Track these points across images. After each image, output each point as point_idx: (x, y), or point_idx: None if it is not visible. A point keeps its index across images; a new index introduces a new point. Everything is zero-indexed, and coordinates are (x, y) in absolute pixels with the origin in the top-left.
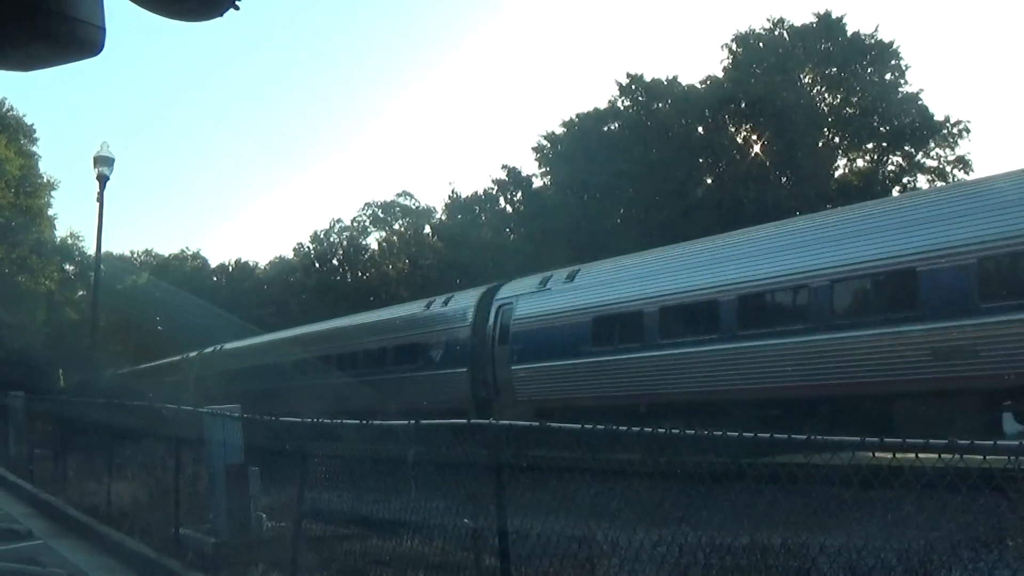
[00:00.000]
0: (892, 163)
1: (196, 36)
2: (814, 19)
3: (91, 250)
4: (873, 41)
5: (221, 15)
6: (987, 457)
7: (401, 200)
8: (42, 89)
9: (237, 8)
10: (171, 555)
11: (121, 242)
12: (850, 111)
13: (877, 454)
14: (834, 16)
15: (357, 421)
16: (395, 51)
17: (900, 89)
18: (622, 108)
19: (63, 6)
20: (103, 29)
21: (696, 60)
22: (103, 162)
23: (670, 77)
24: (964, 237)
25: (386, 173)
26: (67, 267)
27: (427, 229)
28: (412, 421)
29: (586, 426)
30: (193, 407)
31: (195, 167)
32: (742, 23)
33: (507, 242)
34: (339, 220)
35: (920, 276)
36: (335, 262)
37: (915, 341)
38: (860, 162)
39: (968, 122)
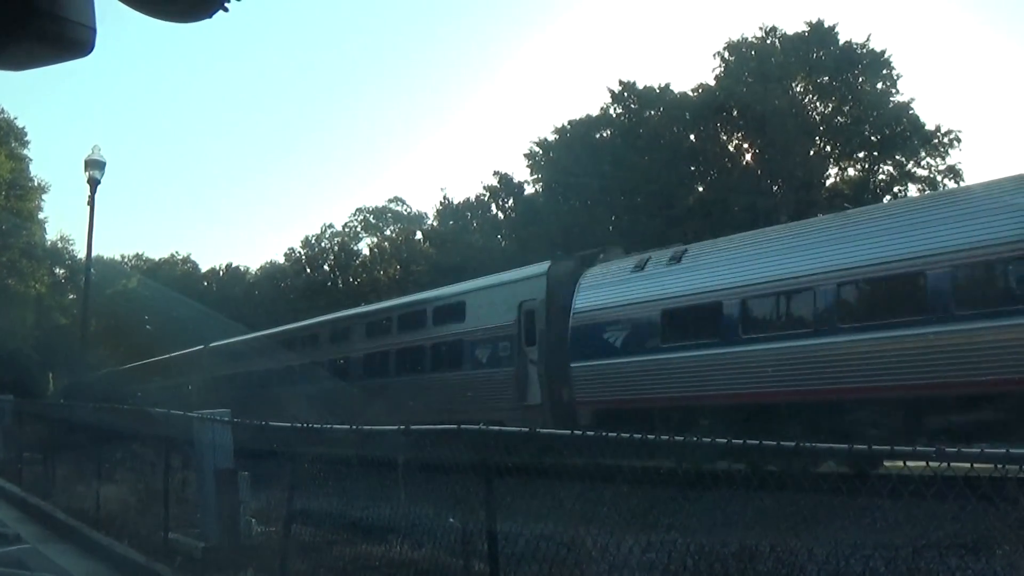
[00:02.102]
0: (883, 172)
1: (188, 39)
2: (806, 28)
3: (81, 254)
4: (865, 50)
5: (210, 16)
6: (974, 465)
7: (393, 206)
8: (33, 92)
9: (226, 10)
10: (160, 560)
11: (112, 246)
12: (841, 120)
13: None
14: (826, 25)
15: (347, 426)
16: (386, 57)
17: (891, 98)
18: (614, 115)
19: (53, 6)
20: (94, 29)
21: (688, 68)
22: (94, 166)
23: (662, 85)
24: None
25: (378, 179)
26: (57, 271)
27: (419, 235)
28: (402, 426)
29: (575, 432)
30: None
31: (186, 171)
32: (734, 31)
33: (498, 248)
34: (331, 225)
35: None
36: (326, 267)
37: None
38: (851, 171)
39: (959, 132)
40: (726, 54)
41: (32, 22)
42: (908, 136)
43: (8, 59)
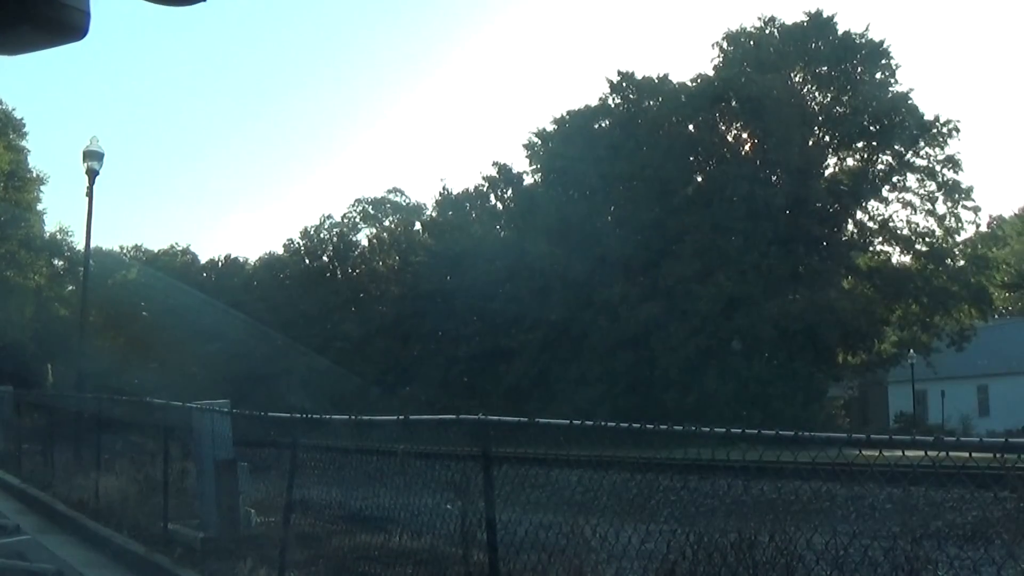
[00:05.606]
0: (882, 162)
1: (189, 30)
2: (805, 18)
3: (80, 245)
4: (864, 40)
5: (205, 0)
6: (973, 454)
7: (392, 197)
8: (31, 83)
9: None
10: (160, 550)
11: (110, 237)
12: (840, 110)
13: (864, 451)
14: (825, 15)
15: (346, 416)
16: (386, 48)
17: (890, 88)
18: (613, 106)
19: None
20: (87, 13)
21: (687, 58)
22: (92, 157)
23: (661, 75)
24: None
25: (377, 170)
26: (56, 262)
27: (418, 226)
28: (401, 416)
29: (574, 422)
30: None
31: (186, 162)
32: (733, 22)
33: (497, 239)
34: (329, 216)
35: None
36: (325, 258)
37: None
38: (850, 161)
39: (957, 121)
40: (725, 44)
41: (25, 5)
42: (907, 126)
43: (2, 43)
